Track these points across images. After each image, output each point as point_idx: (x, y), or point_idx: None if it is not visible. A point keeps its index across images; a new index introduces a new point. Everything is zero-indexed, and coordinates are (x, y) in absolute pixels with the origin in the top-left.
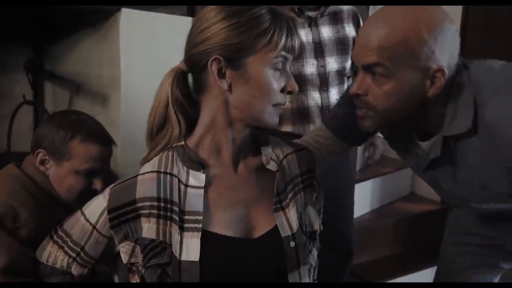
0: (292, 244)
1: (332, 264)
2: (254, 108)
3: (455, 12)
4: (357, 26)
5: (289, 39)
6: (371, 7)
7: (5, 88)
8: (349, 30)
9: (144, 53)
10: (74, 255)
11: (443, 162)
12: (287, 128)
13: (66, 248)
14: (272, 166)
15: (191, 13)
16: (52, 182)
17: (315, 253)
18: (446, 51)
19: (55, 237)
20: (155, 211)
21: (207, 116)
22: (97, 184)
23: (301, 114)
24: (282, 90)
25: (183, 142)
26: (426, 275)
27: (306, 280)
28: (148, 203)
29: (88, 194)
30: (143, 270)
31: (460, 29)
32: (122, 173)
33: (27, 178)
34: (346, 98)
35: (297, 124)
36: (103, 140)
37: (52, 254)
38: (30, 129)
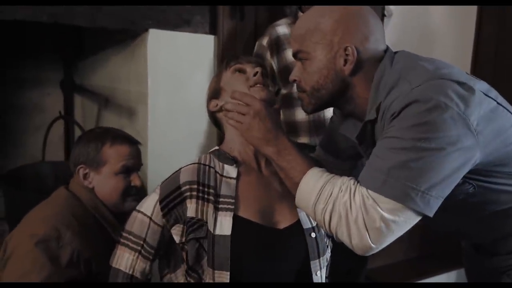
0: (313, 235)
1: (347, 269)
2: None
3: (470, 14)
4: None
5: None
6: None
7: (38, 101)
8: None
9: (170, 70)
10: (139, 248)
11: (368, 145)
12: (304, 139)
13: (131, 244)
14: None
15: (213, 31)
16: (97, 192)
17: (329, 250)
18: (354, 34)
19: (120, 240)
20: (195, 193)
21: (231, 131)
22: (135, 180)
23: (318, 126)
24: None
25: (217, 147)
26: (441, 280)
27: (323, 270)
28: (189, 186)
29: (129, 191)
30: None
31: (474, 32)
32: (150, 183)
33: (74, 198)
34: (334, 117)
35: (313, 136)
36: (129, 140)
37: (120, 256)
38: (61, 140)
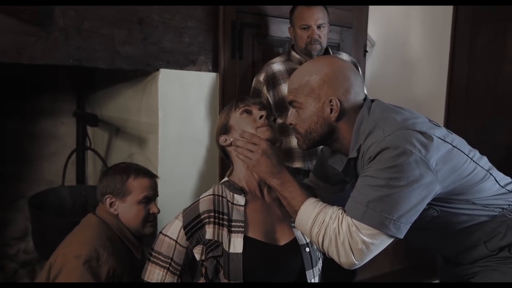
0: (307, 249)
1: (339, 281)
2: None
3: (444, 46)
4: None
5: None
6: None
7: (52, 129)
8: None
9: (178, 103)
10: (167, 265)
11: (352, 176)
12: (298, 164)
13: (160, 262)
14: None
15: (215, 69)
16: (122, 218)
17: (321, 262)
18: (337, 88)
19: (151, 258)
20: (212, 219)
21: (240, 164)
22: (153, 209)
23: (311, 152)
24: None
25: (227, 178)
26: None
27: (316, 278)
28: (207, 214)
29: (148, 218)
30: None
31: (449, 62)
32: (160, 205)
33: (103, 223)
34: (324, 148)
35: (307, 161)
36: (149, 174)
37: (151, 271)
38: (73, 166)
